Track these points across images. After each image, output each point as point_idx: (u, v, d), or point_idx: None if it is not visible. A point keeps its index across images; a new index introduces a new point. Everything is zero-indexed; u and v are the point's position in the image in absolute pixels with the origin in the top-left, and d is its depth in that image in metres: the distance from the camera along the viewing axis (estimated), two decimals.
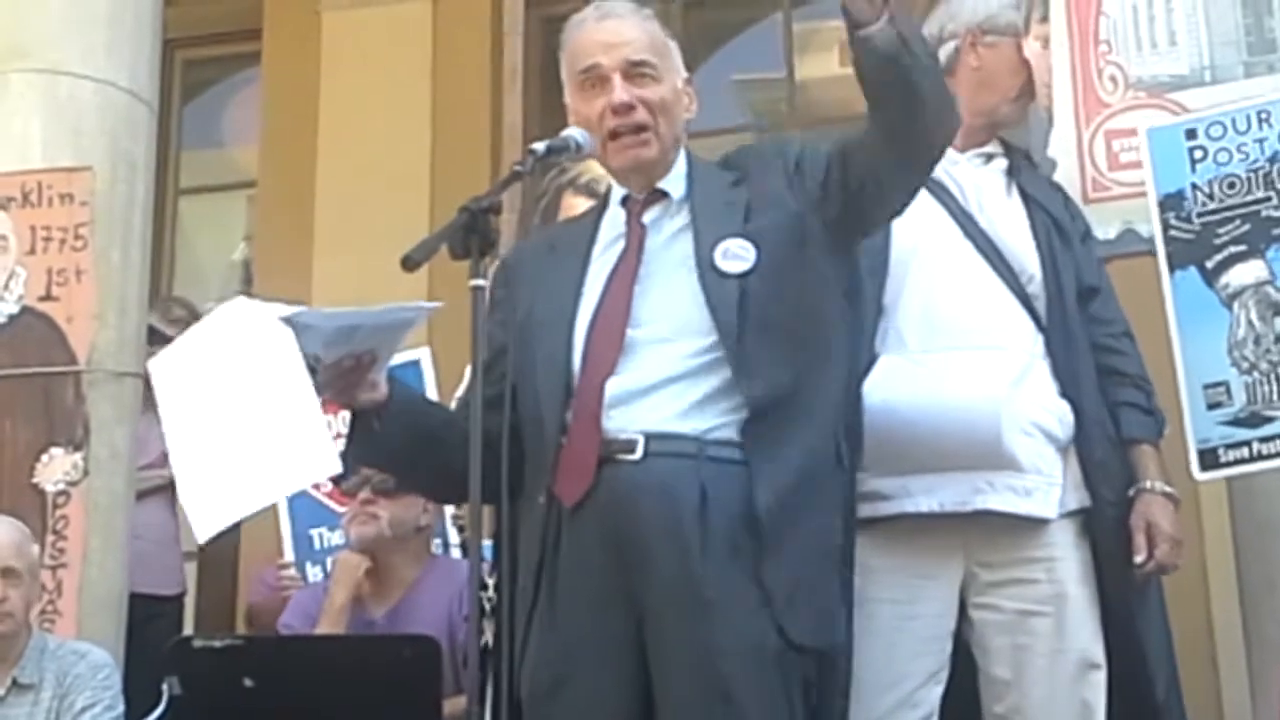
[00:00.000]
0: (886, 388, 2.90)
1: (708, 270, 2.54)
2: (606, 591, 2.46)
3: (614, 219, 2.72)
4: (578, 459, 2.50)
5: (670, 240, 2.64)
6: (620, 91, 2.61)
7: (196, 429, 2.80)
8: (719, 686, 2.37)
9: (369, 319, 2.50)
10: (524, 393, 2.58)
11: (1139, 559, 2.91)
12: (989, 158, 3.17)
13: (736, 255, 2.54)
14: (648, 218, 2.68)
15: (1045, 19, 3.21)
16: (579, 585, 2.48)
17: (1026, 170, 3.22)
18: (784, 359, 2.51)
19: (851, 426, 2.78)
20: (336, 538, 4.51)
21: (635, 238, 2.65)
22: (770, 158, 2.71)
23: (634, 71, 2.63)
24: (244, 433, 2.70)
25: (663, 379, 2.50)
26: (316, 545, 4.54)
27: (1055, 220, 3.09)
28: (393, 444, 2.58)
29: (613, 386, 2.50)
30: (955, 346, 2.98)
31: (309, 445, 2.60)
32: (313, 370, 2.50)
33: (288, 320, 2.46)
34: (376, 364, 2.54)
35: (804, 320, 2.56)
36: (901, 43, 2.34)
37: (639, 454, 2.46)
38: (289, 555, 4.52)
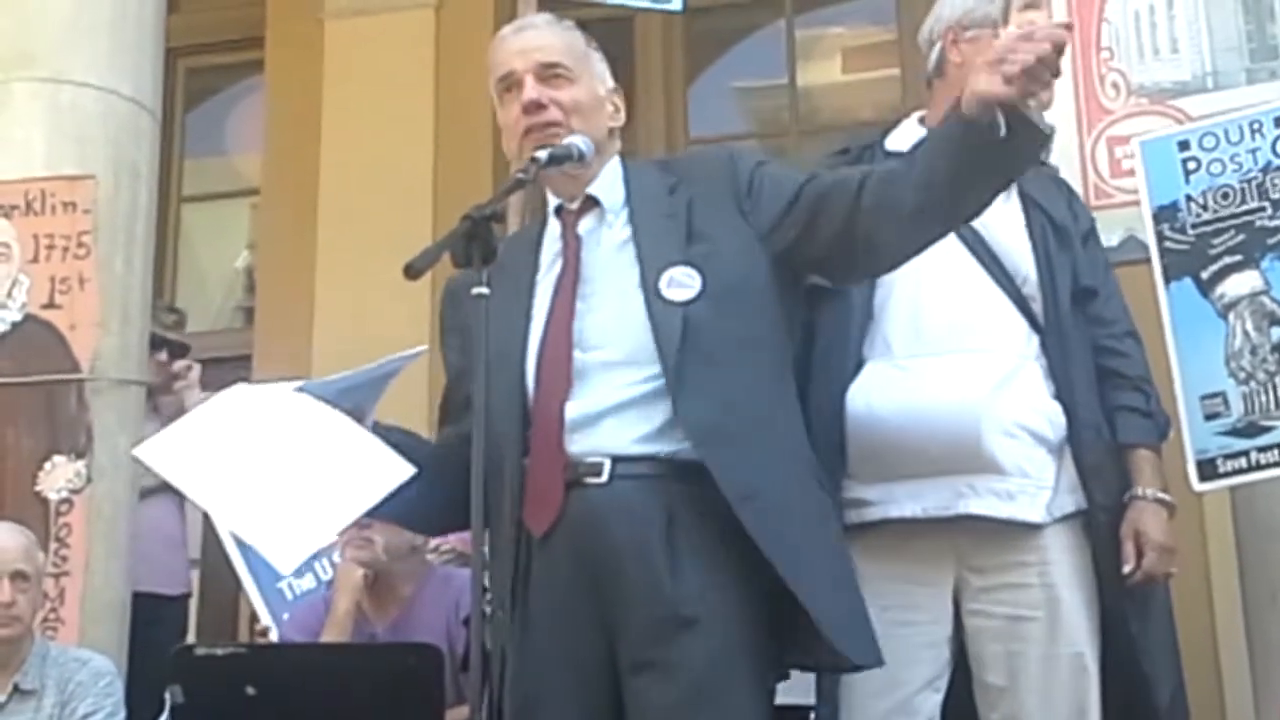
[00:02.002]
0: (868, 394, 2.90)
1: (654, 298, 2.52)
2: (577, 613, 2.46)
3: (553, 233, 2.71)
4: (543, 487, 2.50)
5: (614, 254, 2.62)
6: (530, 90, 2.61)
7: (238, 487, 2.76)
8: (697, 703, 2.37)
9: (364, 376, 2.53)
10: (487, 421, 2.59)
11: (1126, 568, 2.90)
12: None
13: (681, 283, 2.52)
14: (583, 228, 2.66)
15: (1032, 4, 3.19)
16: (550, 608, 2.49)
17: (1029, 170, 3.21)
18: (725, 386, 2.48)
19: (830, 438, 2.79)
20: (306, 583, 4.52)
21: (571, 252, 2.63)
22: (717, 168, 2.67)
23: (546, 73, 2.63)
24: (300, 472, 2.68)
25: (620, 402, 2.49)
26: (287, 595, 4.55)
27: (1053, 221, 3.07)
28: None
29: (571, 410, 2.50)
30: (938, 351, 2.97)
31: (375, 460, 2.60)
32: None
33: (301, 390, 2.52)
34: (364, 418, 2.57)
35: (748, 345, 2.53)
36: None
37: (605, 477, 2.46)
38: (265, 618, 4.52)
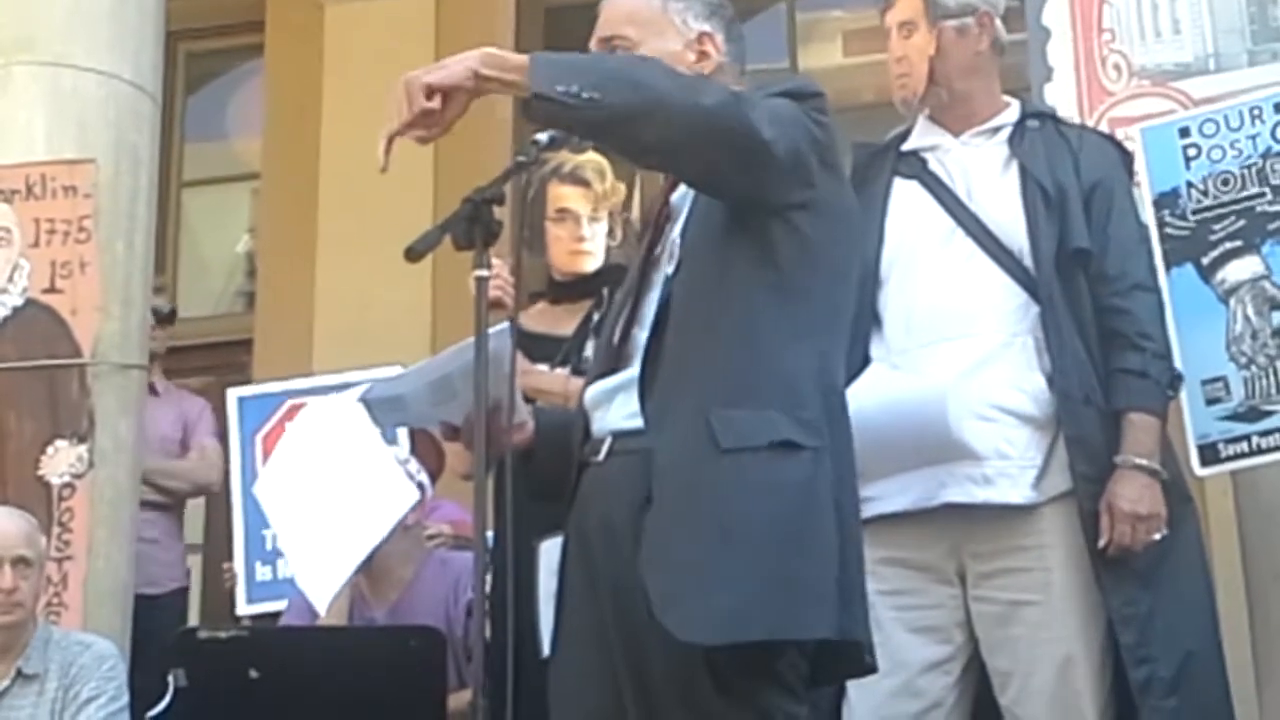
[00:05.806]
0: (858, 395, 2.82)
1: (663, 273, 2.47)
2: (581, 588, 2.44)
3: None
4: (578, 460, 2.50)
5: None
6: None
7: (299, 522, 3.01)
8: (645, 695, 2.31)
9: (452, 363, 2.47)
10: None
11: (1101, 542, 2.87)
12: (995, 131, 3.15)
13: (672, 254, 2.46)
14: (675, 196, 2.56)
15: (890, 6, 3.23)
16: (568, 580, 2.48)
17: (1032, 134, 3.13)
18: (678, 366, 2.36)
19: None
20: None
21: (658, 224, 2.54)
22: None
23: (606, 48, 2.55)
24: (336, 504, 2.84)
25: (629, 378, 2.43)
26: (268, 546, 4.52)
27: (1042, 187, 3.02)
28: (556, 475, 2.50)
29: (592, 389, 2.48)
30: (926, 343, 2.97)
31: (386, 488, 2.68)
32: (455, 432, 2.51)
33: (363, 402, 2.51)
34: (503, 409, 2.44)
35: (710, 322, 2.37)
36: (553, 103, 2.22)
37: (602, 455, 2.42)
38: (239, 557, 4.51)
